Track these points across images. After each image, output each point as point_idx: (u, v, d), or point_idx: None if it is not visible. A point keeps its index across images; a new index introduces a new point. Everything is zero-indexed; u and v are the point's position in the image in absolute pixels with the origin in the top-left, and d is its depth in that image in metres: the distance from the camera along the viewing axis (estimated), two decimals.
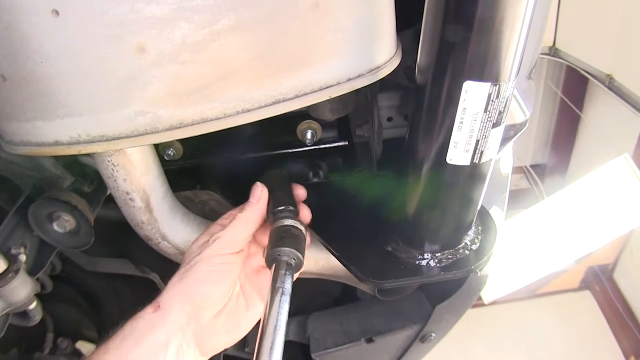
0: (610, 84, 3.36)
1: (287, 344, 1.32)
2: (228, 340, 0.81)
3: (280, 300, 0.70)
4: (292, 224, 0.81)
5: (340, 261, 0.85)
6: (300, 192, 0.90)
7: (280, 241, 0.78)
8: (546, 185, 4.36)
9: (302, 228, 0.82)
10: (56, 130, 0.63)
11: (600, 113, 4.24)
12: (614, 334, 4.72)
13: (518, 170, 4.86)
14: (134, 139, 0.63)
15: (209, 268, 0.76)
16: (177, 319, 0.73)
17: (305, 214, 0.88)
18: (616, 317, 4.74)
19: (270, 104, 0.65)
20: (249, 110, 0.64)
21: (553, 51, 3.78)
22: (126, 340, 0.70)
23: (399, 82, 0.94)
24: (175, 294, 0.75)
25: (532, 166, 4.87)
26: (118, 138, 0.63)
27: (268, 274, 0.82)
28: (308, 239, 0.86)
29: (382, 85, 0.78)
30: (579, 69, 3.59)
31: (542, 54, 3.82)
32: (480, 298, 3.88)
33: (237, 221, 0.81)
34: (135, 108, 0.61)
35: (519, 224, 3.76)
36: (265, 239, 0.83)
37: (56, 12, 0.53)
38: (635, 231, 3.77)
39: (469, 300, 1.24)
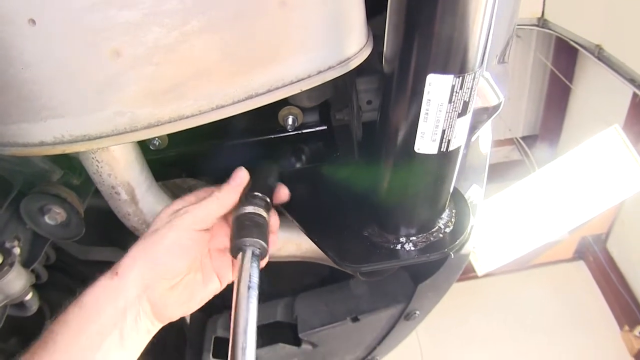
0: (600, 55, 3.36)
1: (276, 324, 1.37)
2: (183, 310, 0.81)
3: (248, 295, 0.70)
4: (255, 211, 0.81)
5: (318, 246, 0.88)
6: (282, 192, 0.90)
7: (244, 230, 0.78)
8: (537, 157, 4.39)
9: (266, 215, 0.82)
10: (41, 132, 0.65)
11: (591, 84, 4.25)
12: (608, 303, 4.79)
13: (509, 142, 4.89)
14: (114, 137, 0.66)
15: (175, 240, 0.76)
16: (134, 286, 0.72)
17: (274, 222, 0.86)
18: (610, 287, 4.81)
19: (243, 99, 0.68)
20: (223, 106, 0.68)
21: (542, 22, 3.78)
22: (85, 309, 0.69)
23: (376, 67, 0.96)
24: (137, 259, 0.74)
25: (523, 138, 4.89)
26: (100, 137, 0.66)
27: (230, 257, 0.83)
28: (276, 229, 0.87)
29: (360, 69, 0.80)
30: (568, 40, 3.59)
31: (531, 25, 3.82)
32: (473, 270, 3.93)
33: (211, 199, 0.80)
34: (114, 109, 0.64)
35: (511, 195, 3.79)
36: None
37: (33, 21, 0.55)
38: (626, 201, 3.82)
39: (451, 278, 1.27)
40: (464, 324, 4.54)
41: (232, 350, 0.65)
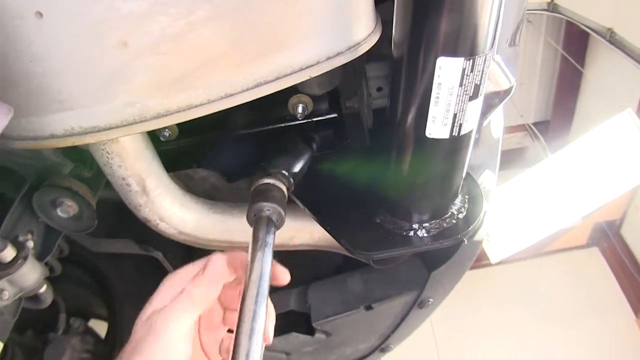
0: (612, 38, 3.33)
1: (289, 314, 1.37)
2: None
3: (264, 251, 0.69)
4: (274, 183, 0.81)
5: (330, 234, 0.88)
6: (281, 276, 0.74)
7: (260, 196, 0.78)
8: (550, 143, 4.35)
9: (285, 190, 0.82)
10: (50, 125, 0.66)
11: (602, 68, 4.21)
12: (623, 290, 4.76)
13: (521, 128, 4.85)
14: (124, 128, 0.66)
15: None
16: None
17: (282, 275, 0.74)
18: (624, 273, 4.77)
19: (252, 87, 0.67)
20: (232, 95, 0.67)
21: (552, 7, 3.74)
22: None
23: (386, 53, 0.95)
24: None
25: (535, 124, 4.85)
26: (109, 129, 0.66)
27: (219, 335, 0.78)
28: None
29: (369, 56, 0.80)
30: (579, 24, 3.56)
31: (540, 9, 3.79)
32: (487, 258, 3.92)
33: (182, 299, 0.69)
34: (122, 100, 0.64)
35: (523, 182, 3.76)
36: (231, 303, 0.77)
37: (40, 14, 0.55)
38: None
39: (464, 265, 1.27)
40: (478, 312, 4.53)
41: (243, 296, 0.64)
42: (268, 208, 0.76)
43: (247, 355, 0.59)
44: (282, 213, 0.78)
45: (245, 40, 0.64)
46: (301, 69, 0.69)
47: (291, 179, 0.85)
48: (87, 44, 0.58)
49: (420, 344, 4.18)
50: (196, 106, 0.67)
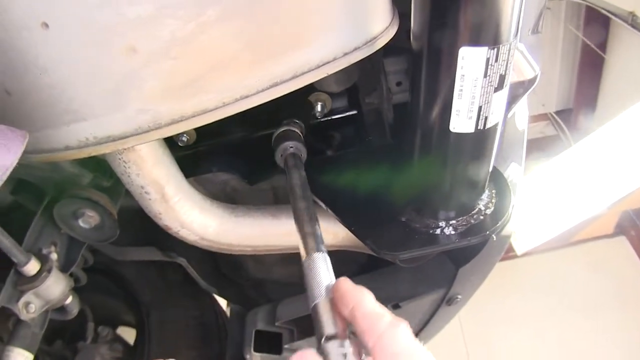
0: (634, 22, 3.26)
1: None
2: None
3: (299, 171, 0.86)
4: (289, 128, 0.95)
5: (355, 235, 0.86)
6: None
7: (281, 139, 0.93)
8: (573, 131, 4.28)
9: (298, 131, 0.96)
10: (65, 137, 0.64)
11: (625, 53, 4.12)
12: None
13: (543, 117, 4.78)
14: (139, 136, 0.65)
15: None
16: None
17: None
18: None
19: (267, 88, 0.66)
20: (247, 97, 0.65)
21: None
22: None
23: (404, 46, 0.93)
24: None
25: (557, 112, 4.77)
26: (124, 137, 0.65)
27: None
28: None
29: (387, 50, 0.79)
30: (599, 9, 3.49)
31: None
32: (513, 250, 3.87)
33: None
34: (135, 107, 0.62)
35: (548, 172, 3.71)
36: None
37: (46, 25, 0.54)
38: None
39: (492, 260, 1.24)
40: (505, 304, 4.47)
41: (295, 211, 0.77)
42: (291, 145, 0.92)
43: (315, 234, 0.73)
44: (303, 147, 0.94)
45: (258, 39, 0.62)
46: (317, 67, 0.67)
47: (302, 125, 0.98)
48: (94, 52, 0.57)
49: (448, 339, 4.14)
50: (211, 110, 0.65)
